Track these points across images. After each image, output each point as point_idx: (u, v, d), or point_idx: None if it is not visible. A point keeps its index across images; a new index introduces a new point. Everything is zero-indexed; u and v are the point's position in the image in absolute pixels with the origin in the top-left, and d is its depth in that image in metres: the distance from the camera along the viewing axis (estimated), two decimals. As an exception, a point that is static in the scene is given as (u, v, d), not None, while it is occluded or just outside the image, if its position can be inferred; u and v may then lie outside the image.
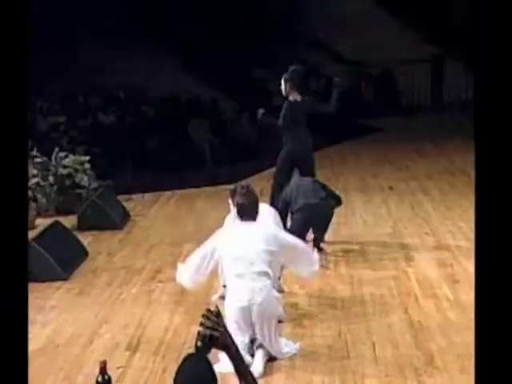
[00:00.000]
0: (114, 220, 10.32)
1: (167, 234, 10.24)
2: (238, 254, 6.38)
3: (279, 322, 6.97)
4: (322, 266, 8.76)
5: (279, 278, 7.57)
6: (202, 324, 3.34)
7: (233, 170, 14.56)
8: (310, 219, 9.11)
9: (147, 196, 12.09)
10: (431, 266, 8.72)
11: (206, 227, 9.23)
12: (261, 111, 10.07)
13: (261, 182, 12.22)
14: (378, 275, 8.51)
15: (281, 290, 7.53)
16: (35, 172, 10.62)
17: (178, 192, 12.90)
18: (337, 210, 9.59)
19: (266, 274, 6.37)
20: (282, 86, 9.94)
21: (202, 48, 21.94)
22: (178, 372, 3.45)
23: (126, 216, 10.82)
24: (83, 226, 10.29)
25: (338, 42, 22.97)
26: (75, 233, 9.93)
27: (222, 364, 6.25)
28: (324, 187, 9.51)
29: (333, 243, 9.64)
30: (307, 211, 9.05)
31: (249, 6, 22.68)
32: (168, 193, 12.56)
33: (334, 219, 9.47)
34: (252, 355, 6.35)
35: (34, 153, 10.92)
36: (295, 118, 9.87)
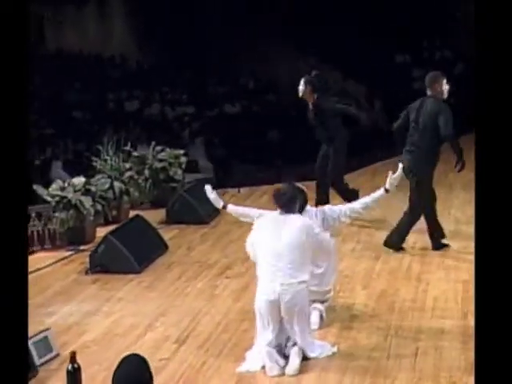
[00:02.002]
0: (200, 214, 10.57)
1: (250, 229, 10.35)
2: (268, 244, 6.39)
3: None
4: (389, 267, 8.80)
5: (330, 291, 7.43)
6: None
7: (357, 160, 14.21)
8: None
9: (243, 190, 12.27)
10: (511, 271, 8.46)
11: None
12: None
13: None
14: (448, 278, 8.39)
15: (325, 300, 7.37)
16: (127, 166, 11.07)
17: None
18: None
19: (296, 268, 6.29)
20: (301, 87, 10.70)
21: (335, 35, 21.89)
22: (116, 369, 3.62)
23: (214, 210, 10.95)
24: (171, 220, 10.65)
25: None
26: (163, 226, 10.30)
27: (248, 363, 6.43)
28: None
29: (414, 244, 9.55)
30: None
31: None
32: (264, 187, 12.57)
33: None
34: (284, 355, 6.42)
35: (129, 148, 11.38)
36: (319, 119, 10.69)
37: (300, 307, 6.35)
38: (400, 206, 11.26)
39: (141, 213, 10.39)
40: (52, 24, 27.18)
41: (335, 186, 10.82)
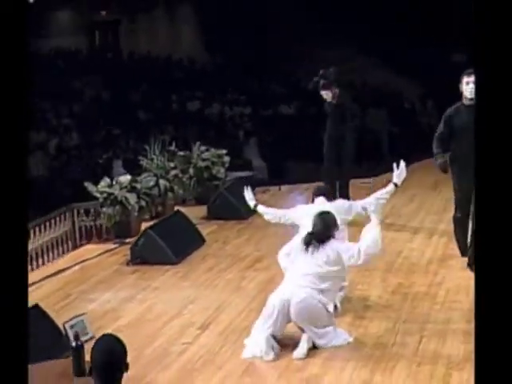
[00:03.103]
0: (239, 211, 11.15)
1: (283, 225, 10.87)
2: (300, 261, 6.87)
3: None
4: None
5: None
6: None
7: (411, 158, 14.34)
8: None
9: (284, 188, 12.84)
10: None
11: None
12: None
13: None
14: (465, 274, 8.62)
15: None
16: (172, 165, 11.75)
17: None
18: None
19: (317, 280, 6.73)
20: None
21: (393, 35, 22.09)
22: (94, 346, 4.16)
23: (252, 207, 11.55)
24: (211, 216, 11.34)
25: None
26: (203, 221, 10.94)
27: (248, 350, 6.90)
28: None
29: (438, 241, 9.95)
30: None
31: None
32: (304, 185, 13.04)
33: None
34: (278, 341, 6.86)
35: (173, 147, 12.06)
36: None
37: (309, 313, 6.69)
38: (430, 202, 11.65)
39: (184, 209, 11.08)
40: (126, 29, 28.18)
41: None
